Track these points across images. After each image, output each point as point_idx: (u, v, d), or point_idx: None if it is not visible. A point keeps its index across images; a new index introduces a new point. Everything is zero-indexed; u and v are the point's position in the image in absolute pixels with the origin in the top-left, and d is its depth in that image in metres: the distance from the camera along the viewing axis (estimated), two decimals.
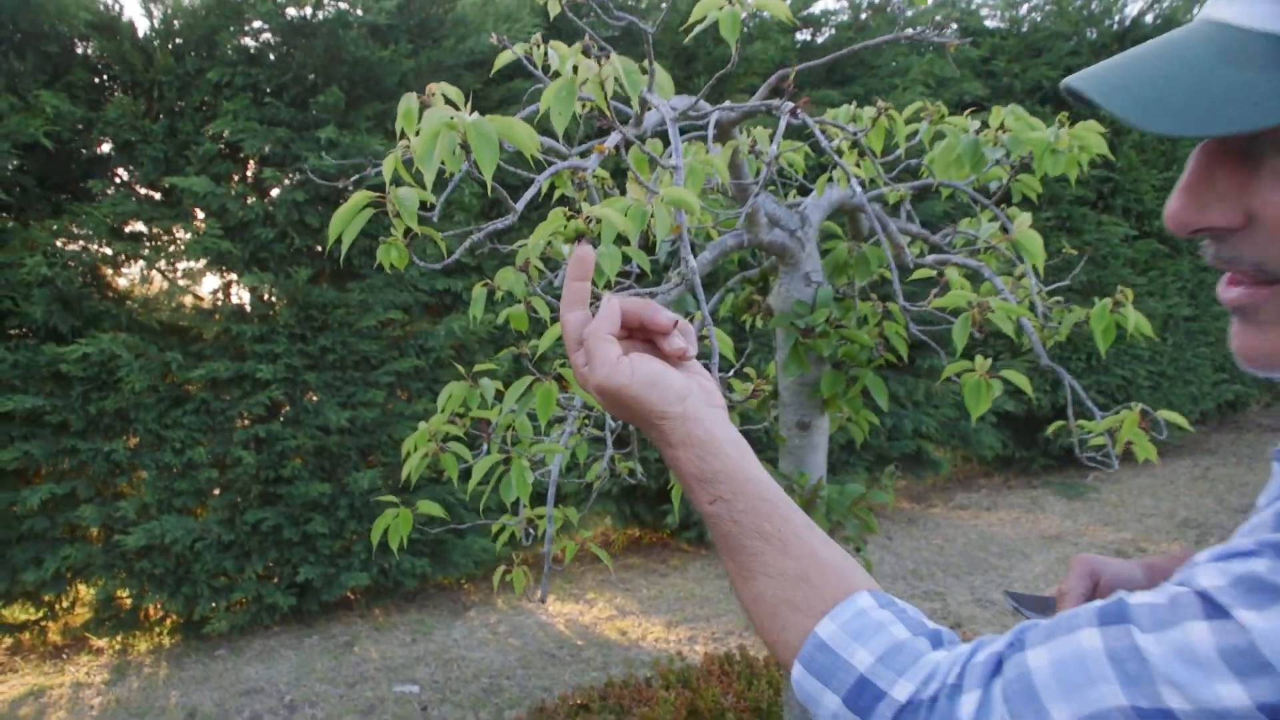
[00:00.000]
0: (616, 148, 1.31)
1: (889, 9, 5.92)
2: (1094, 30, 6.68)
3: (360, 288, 4.70)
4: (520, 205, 1.22)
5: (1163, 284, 7.05)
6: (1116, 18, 6.76)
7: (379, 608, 5.02)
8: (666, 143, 1.63)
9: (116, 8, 4.30)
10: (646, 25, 1.25)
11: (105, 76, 4.41)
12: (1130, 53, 0.65)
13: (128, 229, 4.51)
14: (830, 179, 2.21)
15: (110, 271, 4.57)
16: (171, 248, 4.56)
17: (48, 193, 4.39)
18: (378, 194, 1.14)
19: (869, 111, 1.93)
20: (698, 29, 1.39)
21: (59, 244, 4.24)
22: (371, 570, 4.73)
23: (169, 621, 4.70)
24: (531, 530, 2.13)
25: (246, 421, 4.62)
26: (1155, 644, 0.59)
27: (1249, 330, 0.66)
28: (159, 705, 3.99)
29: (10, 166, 4.15)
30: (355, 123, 4.66)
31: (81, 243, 4.35)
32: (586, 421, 1.94)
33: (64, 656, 4.52)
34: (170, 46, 4.42)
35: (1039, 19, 6.64)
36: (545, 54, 1.60)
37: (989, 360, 1.67)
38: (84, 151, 4.43)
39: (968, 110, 2.14)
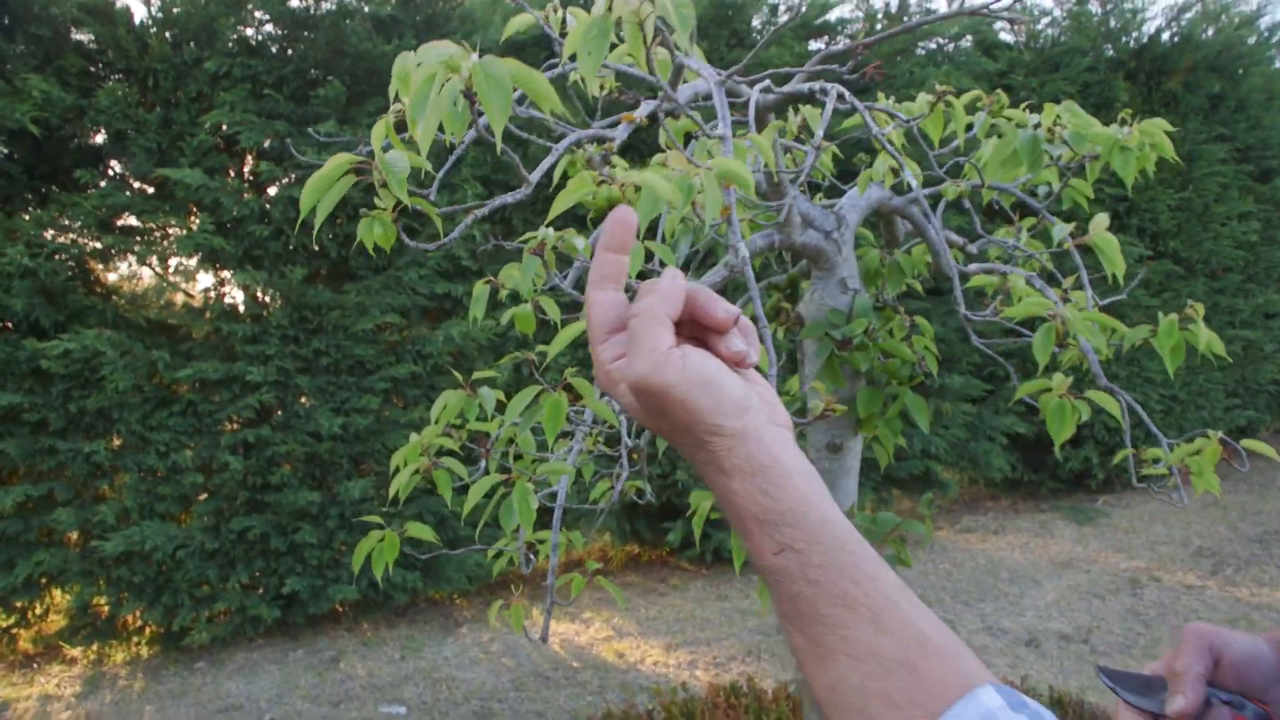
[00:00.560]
0: (650, 117, 1.10)
1: (905, 18, 5.73)
2: (1111, 46, 6.50)
3: (357, 290, 4.49)
4: (535, 176, 1.01)
5: (1177, 305, 6.85)
6: (1134, 34, 6.58)
7: (368, 622, 4.79)
8: (705, 119, 1.42)
9: None
10: None
11: (99, 64, 4.20)
12: None
13: (119, 222, 4.30)
14: (871, 176, 2.00)
15: (99, 266, 4.36)
16: (164, 243, 4.34)
17: (36, 182, 4.18)
18: (361, 159, 0.93)
19: (923, 98, 1.72)
20: None
21: (46, 235, 4.02)
22: (361, 583, 4.50)
23: (147, 631, 4.46)
24: (532, 556, 1.91)
25: (235, 425, 4.40)
26: None
27: None
28: None
29: None
30: (356, 118, 4.45)
31: (70, 235, 4.14)
32: (598, 439, 1.73)
33: (35, 666, 4.29)
34: (167, 34, 4.22)
35: (1056, 34, 6.45)
36: (564, 21, 1.39)
37: (1068, 379, 1.45)
38: (75, 140, 4.22)
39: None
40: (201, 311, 4.40)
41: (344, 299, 4.45)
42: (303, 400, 4.47)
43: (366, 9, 4.60)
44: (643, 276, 1.71)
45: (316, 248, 4.52)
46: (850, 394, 2.00)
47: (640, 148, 4.41)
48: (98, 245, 4.19)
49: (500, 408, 1.84)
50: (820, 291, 2.03)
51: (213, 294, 4.45)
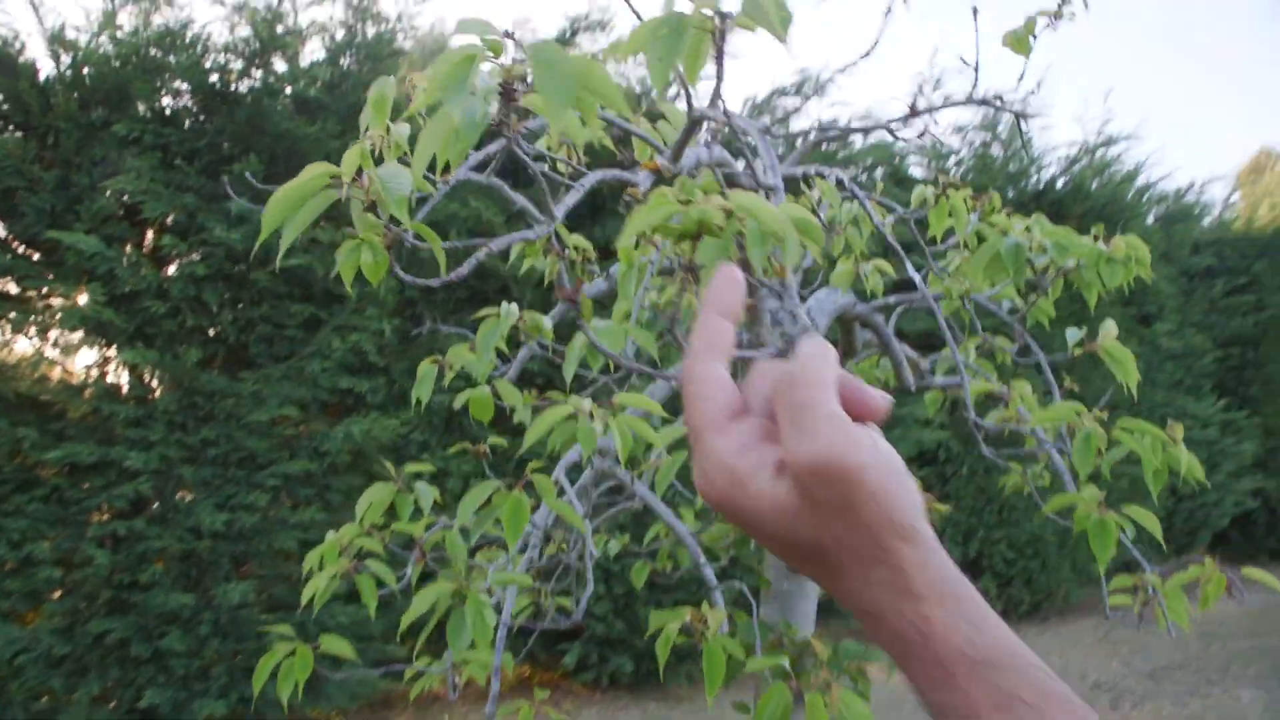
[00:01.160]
0: (659, 177, 0.96)
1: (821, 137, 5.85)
2: (1013, 188, 6.78)
3: (255, 378, 4.18)
4: (562, 212, 0.84)
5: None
6: (1034, 179, 6.90)
7: None
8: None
9: (18, 45, 3.83)
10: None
11: None
12: None
13: None
14: (846, 275, 1.89)
15: None
16: (45, 313, 3.97)
17: None
18: (338, 171, 0.74)
19: (922, 190, 1.63)
20: None
21: None
22: (230, 697, 4.04)
23: None
24: (456, 679, 1.67)
25: (105, 516, 3.98)
26: None
27: None
28: None
29: None
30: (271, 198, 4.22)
31: None
32: (564, 546, 1.52)
33: None
34: (76, 94, 3.95)
35: (963, 172, 6.71)
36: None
37: (1101, 491, 1.32)
38: None
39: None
40: (80, 389, 4.01)
41: (240, 387, 4.13)
42: (184, 493, 4.08)
43: (290, 90, 4.43)
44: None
45: (213, 331, 4.22)
46: None
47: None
48: None
49: (439, 507, 1.63)
50: None
51: (95, 371, 4.07)
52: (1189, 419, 7.18)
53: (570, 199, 0.89)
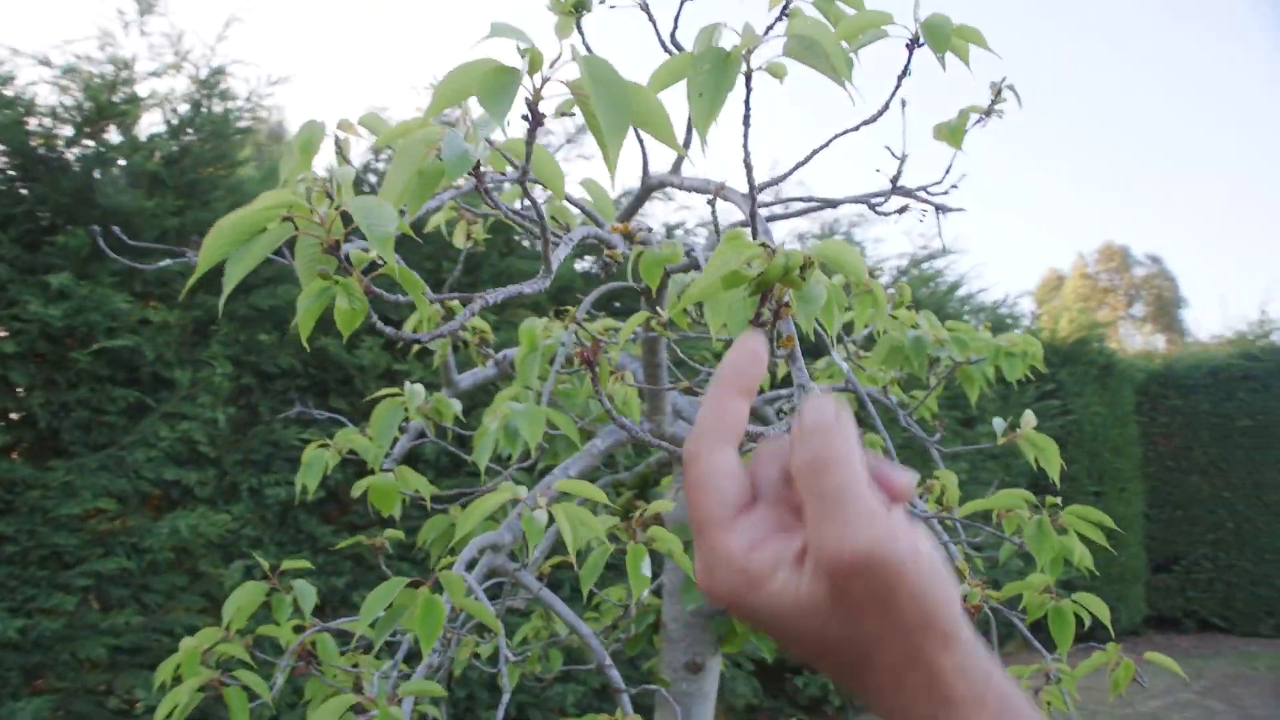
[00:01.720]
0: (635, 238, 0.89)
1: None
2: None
3: (66, 468, 3.77)
4: (556, 264, 0.75)
5: None
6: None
7: None
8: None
9: None
10: None
11: None
12: None
13: None
14: None
15: None
16: None
17: None
18: (297, 199, 0.63)
19: (833, 279, 1.62)
20: None
21: None
22: None
23: None
24: None
25: None
26: None
27: None
28: None
29: None
30: (98, 275, 3.89)
31: None
32: (476, 647, 1.37)
33: None
34: None
35: None
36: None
37: (1050, 577, 1.31)
38: None
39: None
40: None
41: (49, 477, 3.71)
42: None
43: (124, 162, 4.14)
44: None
45: (16, 416, 3.80)
46: (715, 607, 1.77)
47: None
48: None
49: (320, 611, 1.45)
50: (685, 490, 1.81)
51: None
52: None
53: (560, 251, 0.80)
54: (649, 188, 1.04)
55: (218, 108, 4.49)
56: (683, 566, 1.37)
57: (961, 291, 7.75)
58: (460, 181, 0.94)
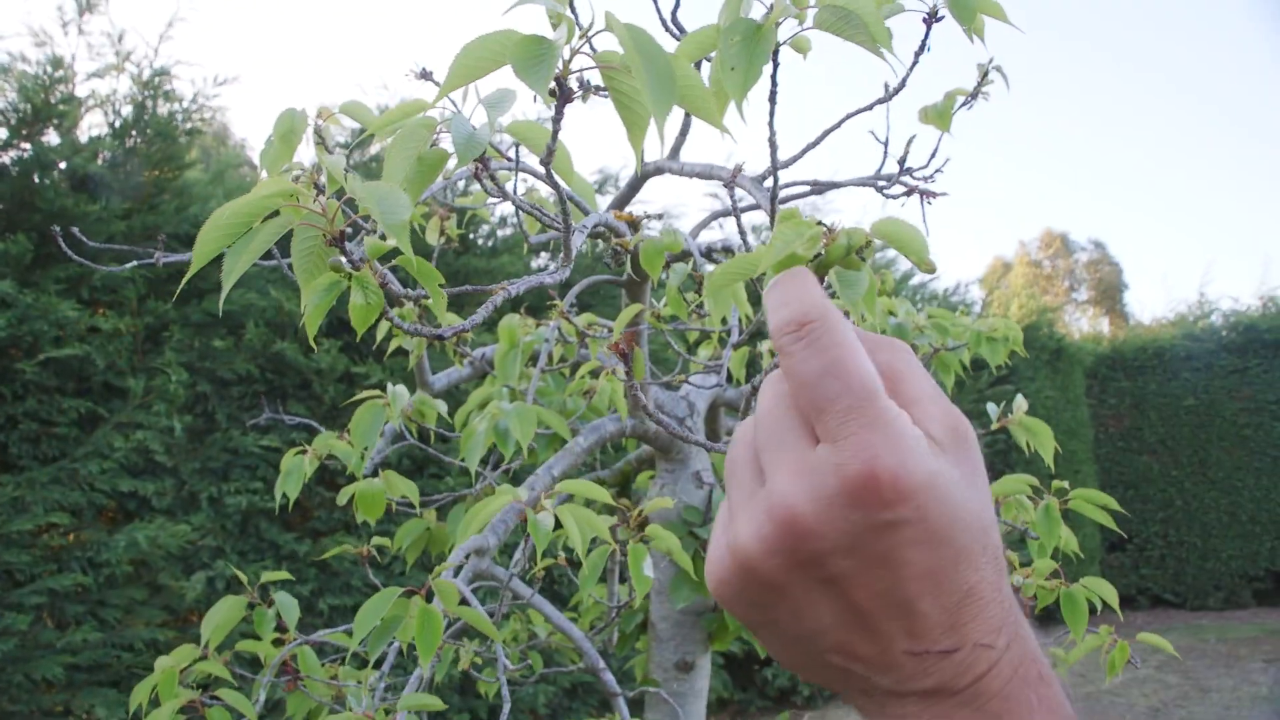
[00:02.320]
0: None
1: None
2: None
3: (16, 482, 3.63)
4: (572, 254, 0.71)
5: None
6: None
7: None
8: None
9: None
10: None
11: None
12: None
13: None
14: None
15: None
16: None
17: None
18: (297, 189, 0.57)
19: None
20: None
21: None
22: None
23: None
24: None
25: None
26: None
27: None
28: None
29: None
30: (42, 282, 3.76)
31: None
32: (476, 658, 1.32)
33: None
34: None
35: None
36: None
37: (1055, 564, 1.29)
38: None
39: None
40: None
41: None
42: None
43: (64, 165, 4.00)
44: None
45: None
46: (704, 603, 1.74)
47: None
48: None
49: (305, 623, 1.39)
50: (670, 486, 1.78)
51: None
52: None
53: (576, 240, 0.76)
54: (646, 174, 1.00)
55: (162, 109, 4.36)
56: (681, 564, 1.33)
57: (914, 280, 7.81)
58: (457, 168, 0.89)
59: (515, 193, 1.61)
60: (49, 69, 4.00)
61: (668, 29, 0.97)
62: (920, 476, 0.37)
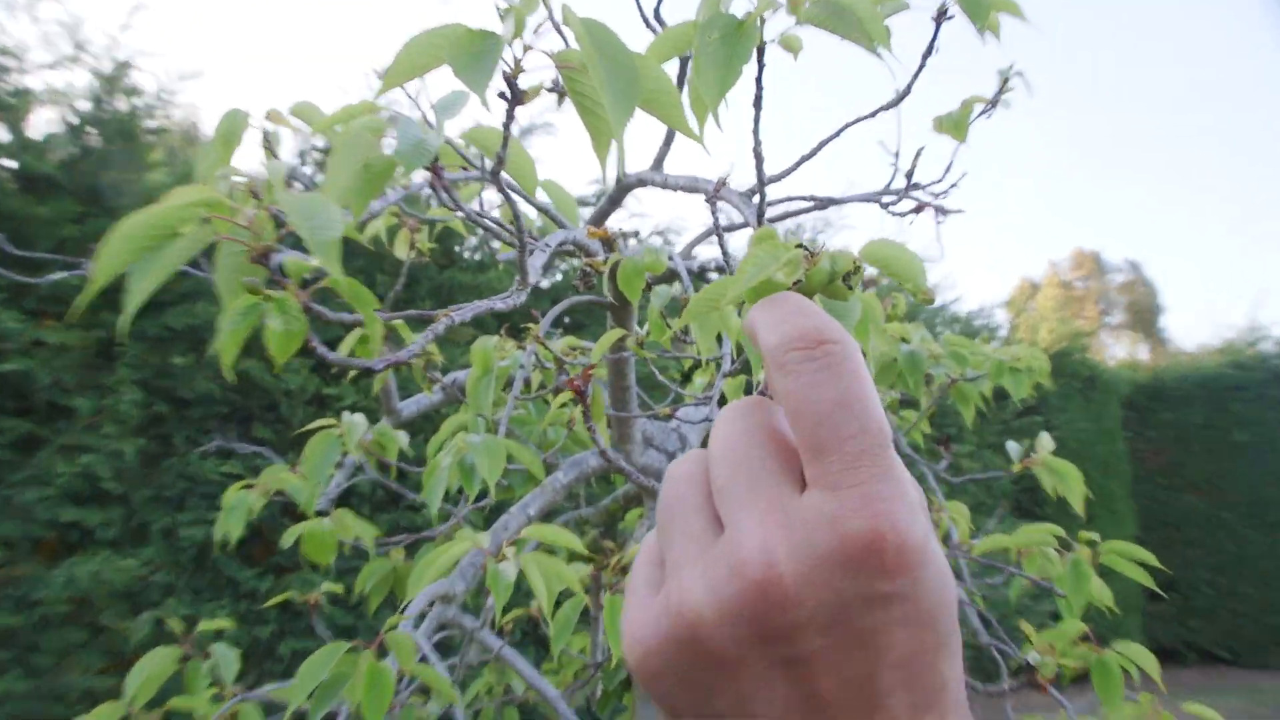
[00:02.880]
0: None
1: None
2: None
3: None
4: (534, 276, 0.68)
5: None
6: None
7: None
8: None
9: None
10: None
11: None
12: None
13: None
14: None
15: None
16: None
17: None
18: (219, 200, 0.55)
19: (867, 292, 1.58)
20: None
21: None
22: None
23: None
24: None
25: None
26: None
27: None
28: None
29: None
30: None
31: None
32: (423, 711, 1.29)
33: None
34: None
35: None
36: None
37: (1084, 626, 1.25)
38: None
39: None
40: None
41: None
42: None
43: (16, 164, 3.99)
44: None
45: None
46: None
47: None
48: None
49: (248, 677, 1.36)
50: None
51: None
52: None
53: (538, 260, 0.74)
54: (626, 187, 0.97)
55: (123, 105, 4.36)
56: None
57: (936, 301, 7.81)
58: (416, 178, 0.87)
59: (484, 206, 1.58)
60: None
61: (650, 26, 0.95)
62: (921, 546, 0.34)
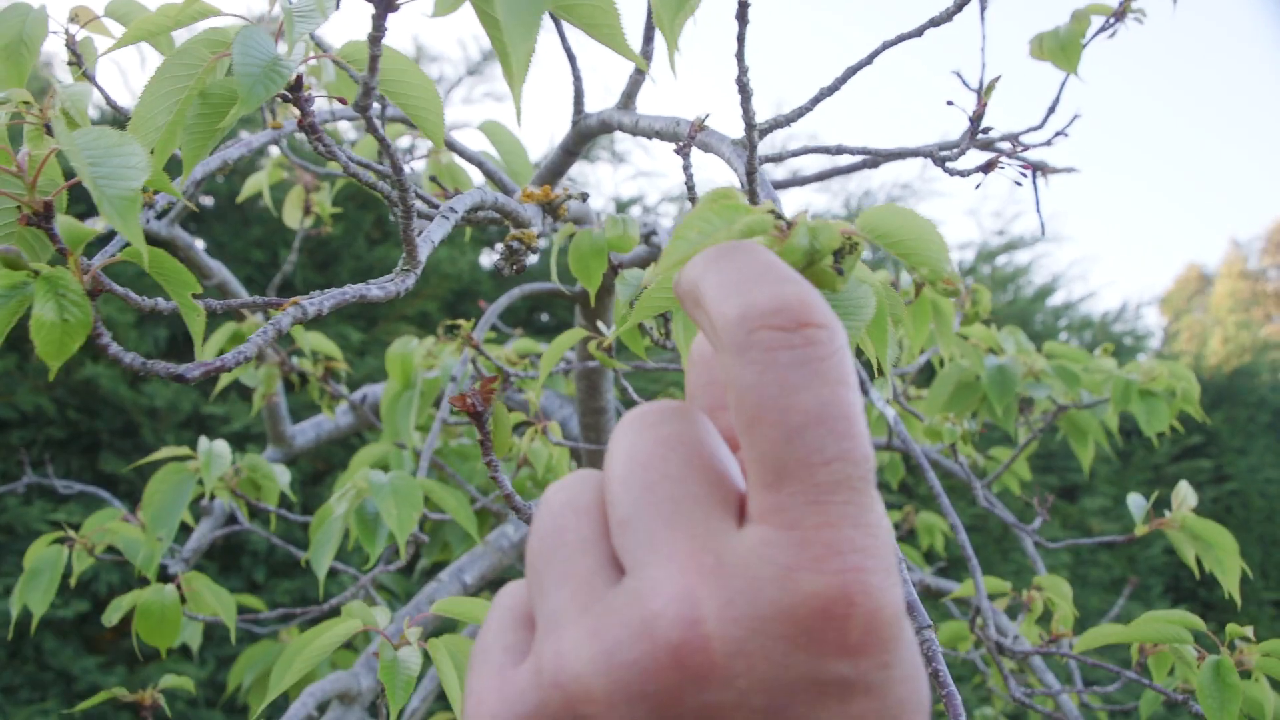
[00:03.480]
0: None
1: None
2: None
3: None
4: (425, 254, 0.68)
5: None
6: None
7: None
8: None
9: None
10: None
11: None
12: None
13: None
14: None
15: None
16: None
17: None
18: None
19: (878, 275, 1.57)
20: None
21: None
22: None
23: None
24: None
25: None
26: None
27: None
28: None
29: None
30: None
31: None
32: None
33: None
34: None
35: None
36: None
37: None
38: None
39: None
40: None
41: None
42: None
43: None
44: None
45: None
46: None
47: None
48: None
49: None
50: None
51: None
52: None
53: (436, 232, 0.73)
54: (584, 133, 0.97)
55: None
56: None
57: (1055, 299, 7.74)
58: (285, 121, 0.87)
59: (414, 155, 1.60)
60: None
61: None
62: (896, 620, 0.33)
